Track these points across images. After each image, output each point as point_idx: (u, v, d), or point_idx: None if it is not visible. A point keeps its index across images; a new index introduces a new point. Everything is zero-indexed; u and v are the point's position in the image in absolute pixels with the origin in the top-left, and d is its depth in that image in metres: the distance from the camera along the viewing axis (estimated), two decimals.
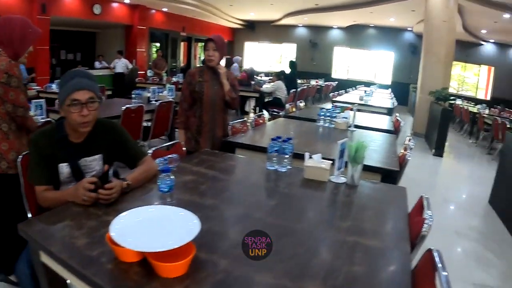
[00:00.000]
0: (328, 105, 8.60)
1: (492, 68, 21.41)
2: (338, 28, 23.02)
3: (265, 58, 25.25)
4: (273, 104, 11.01)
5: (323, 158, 3.02)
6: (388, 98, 12.65)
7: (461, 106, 14.46)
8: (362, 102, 10.06)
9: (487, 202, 6.38)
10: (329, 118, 5.42)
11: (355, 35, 22.79)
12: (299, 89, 12.52)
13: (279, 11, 20.47)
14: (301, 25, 23.43)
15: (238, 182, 3.04)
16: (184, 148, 3.70)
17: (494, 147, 10.53)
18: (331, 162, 2.99)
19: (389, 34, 22.07)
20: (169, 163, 2.83)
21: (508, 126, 9.43)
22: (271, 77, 15.12)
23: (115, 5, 15.84)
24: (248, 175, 3.26)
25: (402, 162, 3.85)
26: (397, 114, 7.15)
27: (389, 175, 3.45)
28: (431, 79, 11.35)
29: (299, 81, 18.28)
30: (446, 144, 9.91)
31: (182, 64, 21.17)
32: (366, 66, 23.75)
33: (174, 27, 19.66)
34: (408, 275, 1.74)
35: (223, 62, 4.45)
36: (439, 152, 9.42)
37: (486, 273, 4.24)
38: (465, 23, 16.91)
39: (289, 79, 12.58)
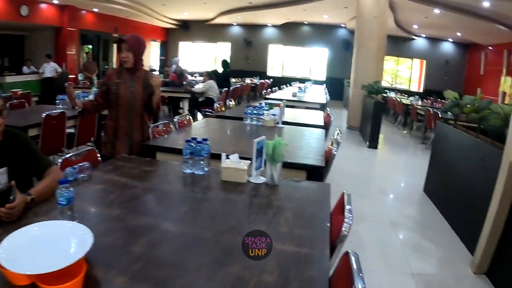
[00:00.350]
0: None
1: (424, 62, 22.19)
2: (273, 26, 23.01)
3: (200, 58, 24.82)
4: (205, 104, 10.75)
5: (246, 158, 2.83)
6: (322, 93, 12.64)
7: (394, 98, 14.72)
8: (296, 99, 10.03)
9: (421, 191, 6.42)
10: (256, 116, 5.23)
11: (290, 32, 22.85)
12: (232, 88, 12.28)
13: (213, 10, 20.19)
14: (235, 24, 23.24)
15: (151, 189, 2.75)
16: (98, 155, 3.39)
17: (427, 137, 10.74)
18: (250, 161, 2.81)
19: (323, 31, 22.31)
20: (79, 171, 2.64)
21: (440, 116, 9.60)
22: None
23: (43, 6, 14.94)
24: (162, 180, 2.99)
25: (329, 157, 3.69)
26: (328, 109, 7.10)
27: (315, 172, 3.28)
28: (364, 73, 11.43)
29: (233, 80, 18.12)
30: (381, 136, 9.99)
31: (114, 67, 20.46)
32: (301, 63, 23.95)
33: (105, 28, 18.86)
34: (325, 282, 1.58)
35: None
36: (373, 144, 9.46)
37: (424, 261, 4.18)
38: (397, 18, 17.30)
39: (222, 78, 12.36)
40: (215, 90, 10.86)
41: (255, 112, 5.24)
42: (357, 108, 11.67)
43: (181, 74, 13.09)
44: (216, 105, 6.91)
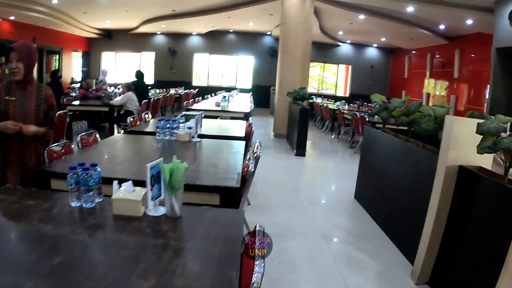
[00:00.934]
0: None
1: (350, 67, 22.52)
2: (198, 34, 22.43)
3: (124, 69, 23.91)
4: (125, 118, 10.12)
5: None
6: (246, 102, 12.28)
7: (321, 104, 14.58)
8: (219, 108, 9.65)
9: (353, 198, 6.17)
10: (168, 130, 4.73)
11: (215, 41, 22.39)
12: (152, 100, 11.68)
13: (136, 19, 19.38)
14: (159, 32, 22.48)
15: (26, 231, 2.14)
16: None
17: (355, 141, 10.62)
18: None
19: (249, 38, 22.10)
20: None
21: (367, 119, 9.44)
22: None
23: None
24: (43, 218, 2.29)
25: (246, 175, 3.22)
26: (250, 119, 6.73)
27: (230, 194, 2.83)
28: (289, 79, 11.19)
29: (157, 90, 17.55)
30: (309, 142, 9.75)
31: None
32: (227, 72, 23.53)
33: (23, 38, 17.29)
34: None
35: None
36: (300, 151, 9.17)
37: (360, 276, 3.83)
38: (322, 25, 17.35)
39: (139, 90, 11.77)
40: (134, 102, 10.25)
41: (167, 126, 4.72)
42: (283, 115, 11.39)
43: (88, 87, 12.50)
44: (129, 119, 6.30)
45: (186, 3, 15.66)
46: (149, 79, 22.66)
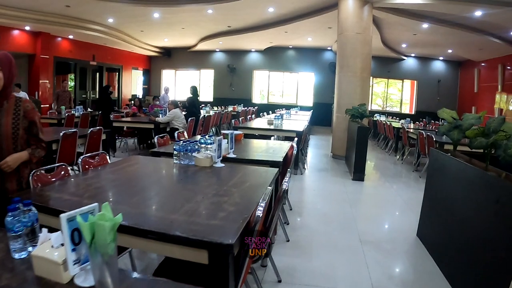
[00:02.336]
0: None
1: (415, 82, 20.96)
2: (256, 51, 21.91)
3: (183, 86, 23.68)
4: (171, 136, 9.51)
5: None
6: (303, 120, 11.42)
7: (384, 122, 13.43)
8: (271, 127, 8.85)
9: (415, 236, 5.07)
10: (187, 152, 3.93)
11: (274, 57, 21.75)
12: (202, 116, 11.05)
13: (193, 36, 19.14)
14: (218, 50, 22.13)
15: None
16: None
17: (422, 163, 9.48)
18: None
19: (309, 54, 21.23)
20: None
21: (434, 139, 8.32)
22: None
23: (15, 32, 14.07)
24: None
25: (252, 223, 2.30)
26: (295, 140, 5.75)
27: (219, 252, 1.97)
28: (347, 95, 10.23)
29: (215, 107, 17.18)
30: (369, 164, 8.79)
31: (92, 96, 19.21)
32: (287, 89, 22.72)
33: (82, 56, 17.87)
34: None
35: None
36: (358, 175, 8.12)
37: None
38: (383, 37, 16.17)
39: (191, 107, 11.17)
40: (181, 120, 9.67)
41: (188, 147, 3.94)
42: (342, 134, 10.40)
43: (140, 106, 12.09)
44: (155, 139, 5.59)
45: (241, 19, 15.13)
46: (208, 97, 22.40)
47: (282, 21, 14.89)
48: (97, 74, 19.59)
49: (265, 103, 21.99)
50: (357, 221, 5.68)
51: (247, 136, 9.29)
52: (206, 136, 4.26)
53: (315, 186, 7.84)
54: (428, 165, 5.51)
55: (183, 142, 4.03)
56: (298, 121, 10.91)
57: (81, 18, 14.31)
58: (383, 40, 16.53)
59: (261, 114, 13.98)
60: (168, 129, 9.73)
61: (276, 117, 9.81)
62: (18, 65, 14.61)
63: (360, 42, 10.14)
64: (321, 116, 19.13)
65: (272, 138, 8.55)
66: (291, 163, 4.66)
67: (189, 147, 3.95)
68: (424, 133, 8.89)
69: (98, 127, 7.17)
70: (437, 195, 4.62)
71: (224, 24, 16.08)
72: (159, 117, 9.89)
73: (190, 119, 9.76)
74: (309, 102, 21.63)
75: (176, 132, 6.65)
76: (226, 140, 4.35)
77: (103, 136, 7.50)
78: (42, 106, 13.88)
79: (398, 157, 11.37)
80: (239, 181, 3.38)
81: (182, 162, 3.94)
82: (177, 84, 23.69)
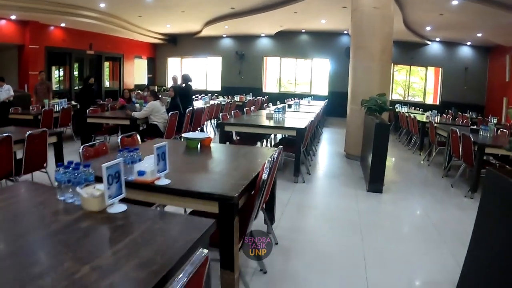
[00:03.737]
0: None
1: (440, 70, 18.75)
2: (266, 36, 19.98)
3: (191, 75, 21.98)
4: (149, 133, 7.81)
5: None
6: (312, 112, 9.60)
7: (407, 114, 11.47)
8: (268, 124, 7.07)
9: None
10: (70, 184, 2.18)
11: (286, 42, 19.77)
12: (193, 110, 9.30)
13: (196, 21, 17.42)
14: (225, 35, 20.32)
15: None
16: None
17: (454, 165, 7.60)
18: None
19: (323, 39, 19.16)
20: None
21: (472, 140, 6.37)
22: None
23: (1, 22, 13.06)
24: None
25: None
26: (280, 147, 3.86)
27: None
28: (364, 83, 8.34)
29: (220, 98, 15.62)
30: (390, 166, 6.96)
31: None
32: (301, 77, 20.69)
33: (78, 45, 16.43)
34: None
35: None
36: (375, 186, 6.22)
37: None
38: (406, 18, 14.11)
39: (183, 98, 9.42)
40: (161, 114, 7.94)
41: (70, 176, 2.16)
42: (357, 130, 8.51)
43: (129, 98, 10.40)
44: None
45: None
46: (216, 86, 20.76)
47: (289, 0, 13.02)
48: (97, 64, 18.14)
49: (276, 92, 20.13)
50: (368, 265, 3.79)
51: (240, 135, 7.60)
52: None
53: (318, 202, 5.99)
54: (482, 193, 3.32)
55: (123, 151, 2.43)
56: (305, 114, 9.14)
57: (70, 4, 12.94)
58: (405, 21, 14.42)
59: (268, 104, 12.34)
60: (143, 127, 8.10)
61: (277, 110, 8.02)
62: (7, 57, 12.56)
63: (379, 19, 8.20)
64: (336, 106, 17.09)
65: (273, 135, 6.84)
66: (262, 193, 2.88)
67: (76, 175, 2.18)
68: (458, 132, 6.96)
69: (41, 129, 5.38)
70: (497, 240, 2.71)
71: (227, 5, 14.29)
72: (136, 111, 8.21)
73: (171, 113, 7.97)
74: (324, 91, 19.62)
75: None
76: (157, 157, 2.59)
77: (53, 139, 5.80)
78: (31, 99, 12.44)
79: (423, 157, 9.46)
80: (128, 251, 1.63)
81: (67, 201, 2.20)
82: (183, 72, 22.00)
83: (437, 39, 18.24)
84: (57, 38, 15.46)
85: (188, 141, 4.25)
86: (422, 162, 9.11)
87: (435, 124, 9.11)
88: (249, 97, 16.53)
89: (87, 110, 8.98)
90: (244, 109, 9.11)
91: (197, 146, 4.22)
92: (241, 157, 4.03)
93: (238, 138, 7.68)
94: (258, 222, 3.74)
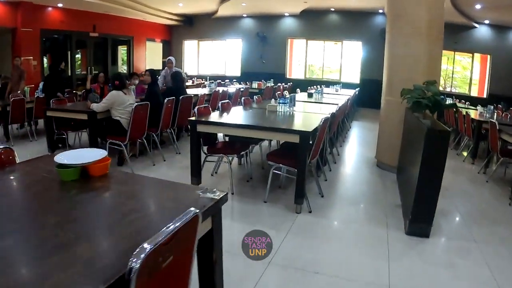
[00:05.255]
0: None
1: (488, 57, 15.81)
2: (290, 15, 17.35)
3: (207, 59, 19.84)
4: (111, 131, 5.65)
5: None
6: (332, 105, 7.20)
7: (454, 110, 8.81)
8: (263, 124, 4.82)
9: None
10: None
11: (312, 23, 17.09)
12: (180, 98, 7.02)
13: None
14: (245, 15, 17.91)
15: None
16: None
17: None
18: None
19: (355, 19, 16.40)
20: None
21: None
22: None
23: None
24: None
25: None
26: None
27: None
28: (405, 66, 5.89)
29: (237, 85, 13.69)
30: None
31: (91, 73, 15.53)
32: (329, 62, 17.97)
33: (79, 27, 14.53)
34: None
35: None
36: (419, 227, 3.81)
37: None
38: None
39: (174, 88, 7.28)
40: (125, 108, 5.73)
41: None
42: (394, 130, 6.06)
43: (105, 82, 8.26)
44: None
45: None
46: (235, 71, 18.52)
47: None
48: (102, 47, 16.22)
49: (301, 79, 17.61)
50: None
51: (231, 137, 5.34)
52: None
53: (323, 257, 3.50)
54: None
55: None
56: (324, 107, 6.80)
57: None
58: None
59: (296, 91, 10.29)
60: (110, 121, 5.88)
61: (282, 101, 5.69)
62: (1, 42, 11.88)
63: None
64: (369, 96, 14.56)
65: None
66: None
67: None
68: None
69: None
70: None
71: None
72: (96, 102, 6.01)
73: (136, 105, 5.66)
74: (355, 79, 16.96)
75: None
76: None
77: None
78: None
79: (480, 168, 6.91)
80: None
81: None
82: (201, 56, 19.87)
83: (486, 22, 15.21)
84: (54, 20, 13.71)
85: (59, 170, 2.04)
86: (477, 174, 6.63)
87: (498, 127, 6.56)
88: (271, 84, 14.20)
89: (50, 101, 6.90)
90: (242, 99, 6.72)
91: (75, 177, 2.05)
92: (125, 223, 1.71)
93: (226, 139, 5.44)
94: None
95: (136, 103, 5.72)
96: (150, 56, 18.66)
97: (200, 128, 4.63)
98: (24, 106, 7.80)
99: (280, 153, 4.81)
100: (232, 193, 4.87)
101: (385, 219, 4.29)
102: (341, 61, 17.53)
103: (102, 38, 15.87)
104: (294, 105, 5.99)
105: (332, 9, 16.40)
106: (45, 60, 13.99)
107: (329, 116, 4.62)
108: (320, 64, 18.12)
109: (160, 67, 18.84)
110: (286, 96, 5.91)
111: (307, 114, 5.73)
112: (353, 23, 16.48)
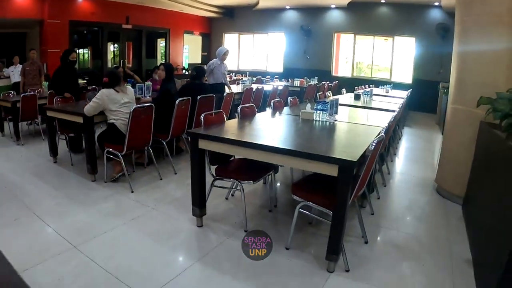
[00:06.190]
0: None
1: None
2: (337, 8, 15.79)
3: (248, 53, 18.72)
4: (109, 138, 4.62)
5: None
6: (387, 115, 5.72)
7: None
8: (279, 145, 3.60)
9: None
10: None
11: (361, 16, 15.49)
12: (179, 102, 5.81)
13: None
14: (288, 7, 16.53)
15: None
16: None
17: None
18: None
19: (408, 12, 14.60)
20: None
21: None
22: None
23: None
24: None
25: None
26: None
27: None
28: (481, 67, 4.48)
29: (272, 83, 12.39)
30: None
31: (128, 65, 14.65)
32: (378, 59, 16.24)
33: (111, 19, 13.85)
34: None
35: None
36: None
37: None
38: None
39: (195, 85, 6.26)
40: (119, 107, 4.66)
41: None
42: (462, 149, 4.65)
43: (118, 78, 7.23)
44: None
45: None
46: (277, 67, 17.33)
47: None
48: (138, 40, 15.54)
49: (348, 77, 16.11)
50: None
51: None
52: None
53: None
54: None
55: None
56: (377, 115, 5.49)
57: None
58: None
59: (341, 91, 9.16)
60: (103, 128, 4.86)
61: (320, 107, 4.42)
62: (33, 34, 12.63)
63: None
64: (423, 98, 13.05)
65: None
66: None
67: None
68: None
69: None
70: None
71: None
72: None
73: (135, 107, 4.50)
74: (408, 79, 15.14)
75: None
76: None
77: None
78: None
79: None
80: None
81: None
82: (241, 50, 18.74)
83: None
84: (84, 11, 13.04)
85: None
86: None
87: None
88: (314, 81, 12.87)
89: (54, 99, 6.02)
90: (272, 102, 5.42)
91: None
92: None
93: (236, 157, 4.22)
94: None
95: (136, 105, 4.59)
96: (191, 49, 17.74)
97: (203, 145, 3.44)
98: (36, 102, 7.19)
99: (311, 183, 3.48)
100: (246, 231, 3.67)
101: (451, 285, 2.97)
102: (392, 58, 15.79)
103: (136, 31, 15.06)
104: (335, 112, 4.69)
105: (383, 1, 14.72)
106: (83, 52, 13.64)
107: (383, 133, 3.29)
108: (368, 61, 16.47)
109: (200, 62, 17.90)
110: (327, 100, 4.61)
111: (353, 127, 4.42)
112: (406, 16, 14.71)
